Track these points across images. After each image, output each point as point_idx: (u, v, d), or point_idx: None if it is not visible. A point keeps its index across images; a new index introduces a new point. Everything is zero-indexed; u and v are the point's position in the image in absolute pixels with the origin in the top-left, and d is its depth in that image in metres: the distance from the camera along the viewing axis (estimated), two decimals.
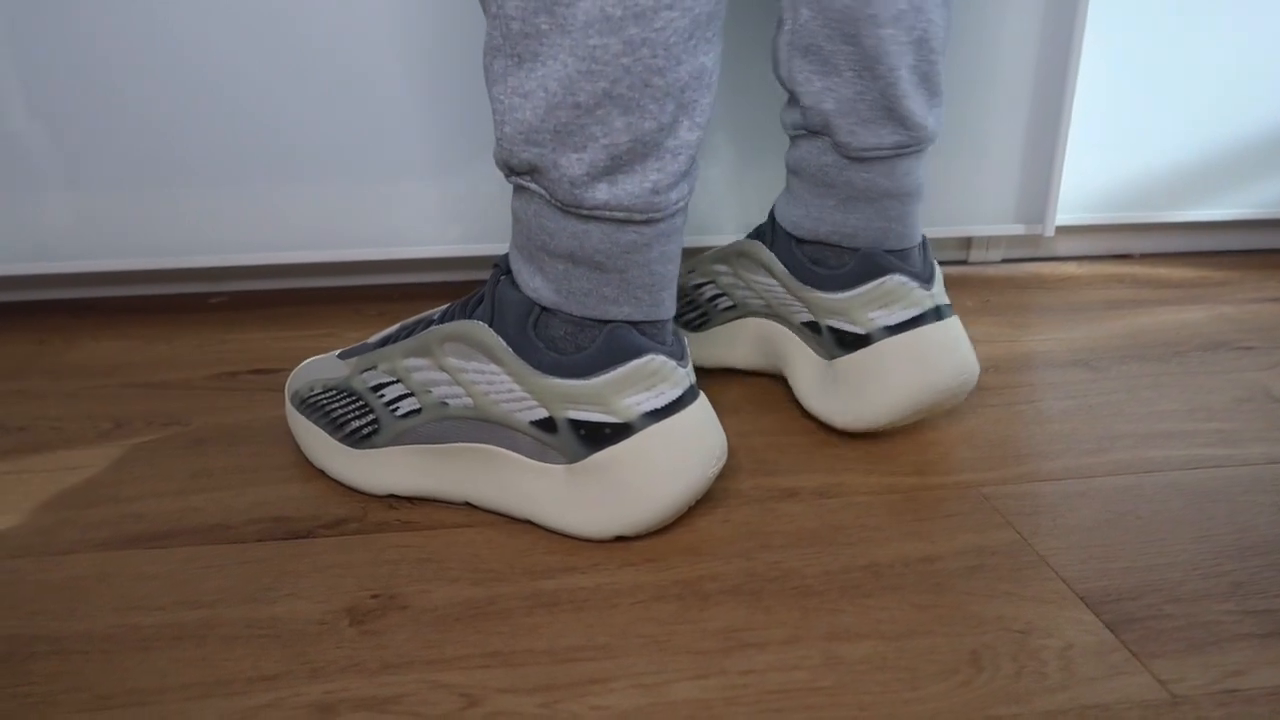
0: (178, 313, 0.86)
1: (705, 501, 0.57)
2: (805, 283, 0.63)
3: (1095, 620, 0.47)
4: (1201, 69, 0.93)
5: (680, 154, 0.49)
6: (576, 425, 0.51)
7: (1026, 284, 0.93)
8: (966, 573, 0.51)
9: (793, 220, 0.63)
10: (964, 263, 0.99)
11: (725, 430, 0.65)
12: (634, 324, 0.52)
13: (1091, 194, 0.96)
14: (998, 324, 0.83)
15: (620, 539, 0.53)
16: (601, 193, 0.48)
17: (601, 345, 0.51)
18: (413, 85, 0.83)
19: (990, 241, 0.99)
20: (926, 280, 0.61)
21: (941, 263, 0.99)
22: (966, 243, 0.99)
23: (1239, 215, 0.99)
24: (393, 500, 0.57)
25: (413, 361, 0.55)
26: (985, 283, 0.94)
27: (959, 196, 0.93)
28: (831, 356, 0.63)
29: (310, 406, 0.59)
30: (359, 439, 0.57)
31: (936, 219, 0.94)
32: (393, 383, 0.56)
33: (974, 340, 0.80)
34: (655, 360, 0.51)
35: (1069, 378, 0.73)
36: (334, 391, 0.58)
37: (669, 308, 0.53)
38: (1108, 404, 0.69)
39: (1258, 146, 0.97)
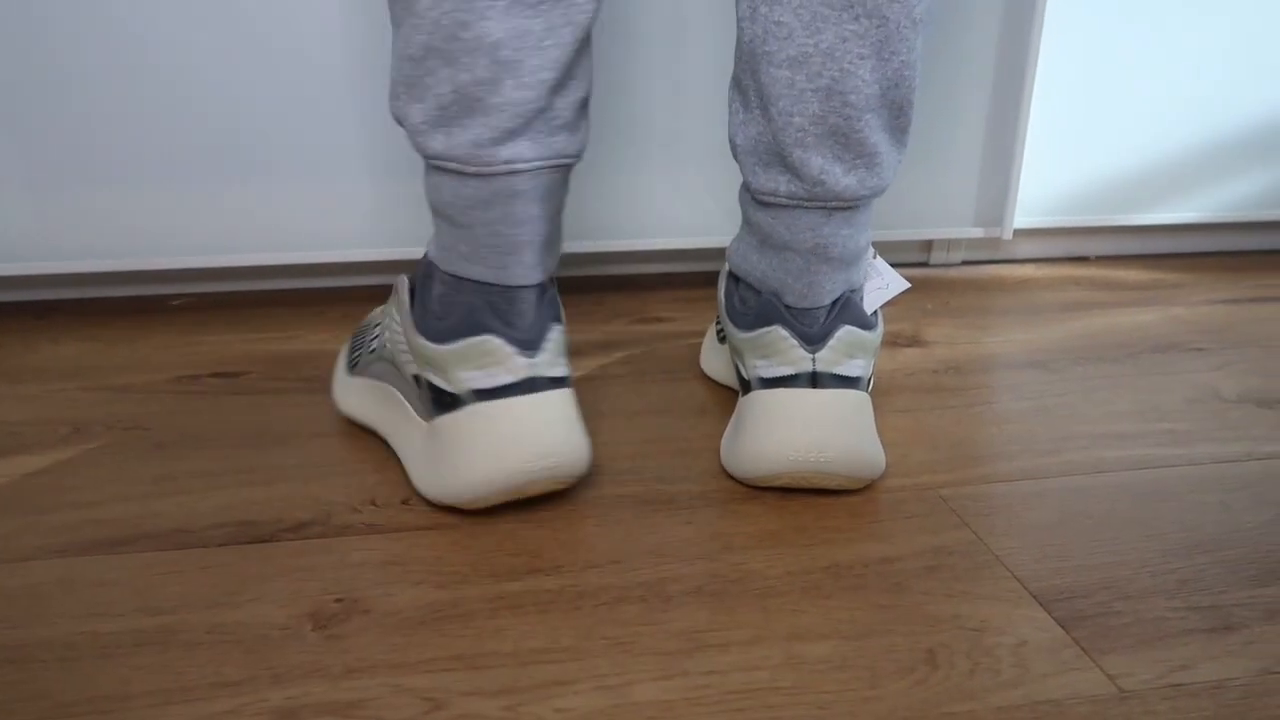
0: (139, 315, 0.85)
1: (668, 503, 0.58)
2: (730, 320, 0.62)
3: (1048, 618, 0.48)
4: (1156, 76, 0.95)
5: (505, 110, 0.51)
6: (429, 386, 0.55)
7: (986, 286, 0.95)
8: (924, 573, 0.52)
9: (733, 249, 0.63)
10: (925, 265, 1.01)
11: (692, 432, 0.66)
12: (492, 301, 0.54)
13: (1049, 198, 0.98)
14: (958, 326, 0.85)
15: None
16: (438, 142, 0.52)
17: (459, 315, 0.54)
18: (380, 87, 0.82)
19: (951, 244, 1.00)
20: (814, 342, 0.57)
21: (903, 265, 1.01)
22: (927, 245, 1.01)
23: (1192, 219, 1.01)
24: (356, 503, 0.57)
25: (388, 307, 0.61)
26: (946, 285, 0.95)
27: (920, 200, 0.95)
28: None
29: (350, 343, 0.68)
30: (351, 366, 0.65)
31: (898, 222, 0.95)
32: (379, 323, 0.63)
33: (934, 342, 0.82)
34: (490, 341, 0.53)
35: (1026, 379, 0.75)
36: (363, 328, 0.67)
37: (519, 275, 0.54)
38: (1063, 405, 0.71)
39: (1211, 152, 0.99)
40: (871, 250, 0.62)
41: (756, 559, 0.53)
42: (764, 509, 0.57)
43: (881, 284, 0.61)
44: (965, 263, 1.02)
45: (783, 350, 0.57)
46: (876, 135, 0.54)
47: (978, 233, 0.96)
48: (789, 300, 0.58)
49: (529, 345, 0.53)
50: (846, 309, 0.58)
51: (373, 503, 0.57)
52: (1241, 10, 0.94)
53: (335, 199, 0.85)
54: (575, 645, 0.46)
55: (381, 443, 0.64)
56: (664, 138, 0.88)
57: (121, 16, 0.78)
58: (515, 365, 0.53)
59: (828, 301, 0.58)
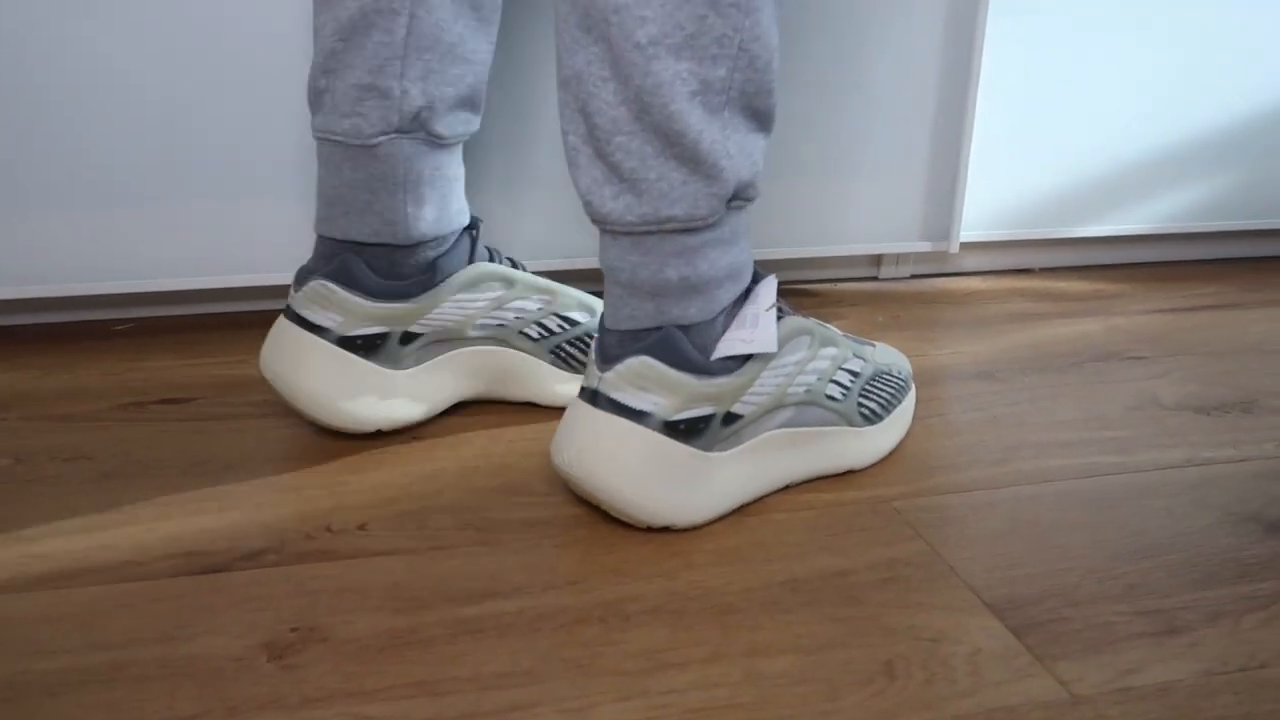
0: (80, 341, 0.83)
1: (626, 521, 0.57)
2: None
3: (1001, 626, 0.49)
4: (1095, 93, 0.98)
5: (308, 85, 0.64)
6: None
7: (934, 299, 0.97)
8: (880, 585, 0.53)
9: None
10: (874, 279, 1.02)
11: None
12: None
13: (993, 212, 1.01)
14: (907, 339, 0.86)
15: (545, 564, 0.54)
16: None
17: None
18: None
19: (899, 258, 1.02)
20: (608, 361, 0.55)
21: (854, 279, 1.02)
22: (877, 260, 1.02)
23: (1131, 230, 1.04)
24: (311, 530, 0.56)
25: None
26: (895, 299, 0.97)
27: (869, 216, 0.96)
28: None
29: None
30: None
31: (848, 237, 0.97)
32: None
33: None
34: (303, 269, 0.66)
35: (974, 390, 0.76)
36: None
37: (317, 224, 0.65)
38: (1010, 415, 0.72)
39: (1148, 166, 1.02)
40: (771, 303, 0.57)
41: (715, 576, 0.53)
42: (722, 525, 0.58)
43: (746, 338, 0.56)
44: (914, 276, 1.04)
45: (588, 364, 0.58)
46: (635, 160, 0.52)
47: (925, 247, 0.98)
48: (607, 322, 0.58)
49: (298, 279, 0.64)
50: (660, 342, 0.54)
51: (328, 529, 0.57)
52: (1180, 28, 0.97)
53: (280, 221, 0.84)
54: (535, 668, 0.46)
55: (337, 466, 0.63)
56: None
57: (54, 41, 0.76)
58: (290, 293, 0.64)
59: (626, 327, 0.56)
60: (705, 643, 0.48)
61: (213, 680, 0.45)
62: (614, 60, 0.51)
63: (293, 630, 0.48)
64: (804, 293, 0.99)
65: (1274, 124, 1.03)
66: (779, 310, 0.59)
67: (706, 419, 0.55)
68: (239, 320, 0.88)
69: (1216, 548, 0.56)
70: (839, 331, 0.64)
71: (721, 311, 0.56)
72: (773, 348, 0.56)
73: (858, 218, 0.96)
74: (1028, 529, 0.58)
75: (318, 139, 0.63)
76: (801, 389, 0.59)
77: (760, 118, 0.55)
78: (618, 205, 0.54)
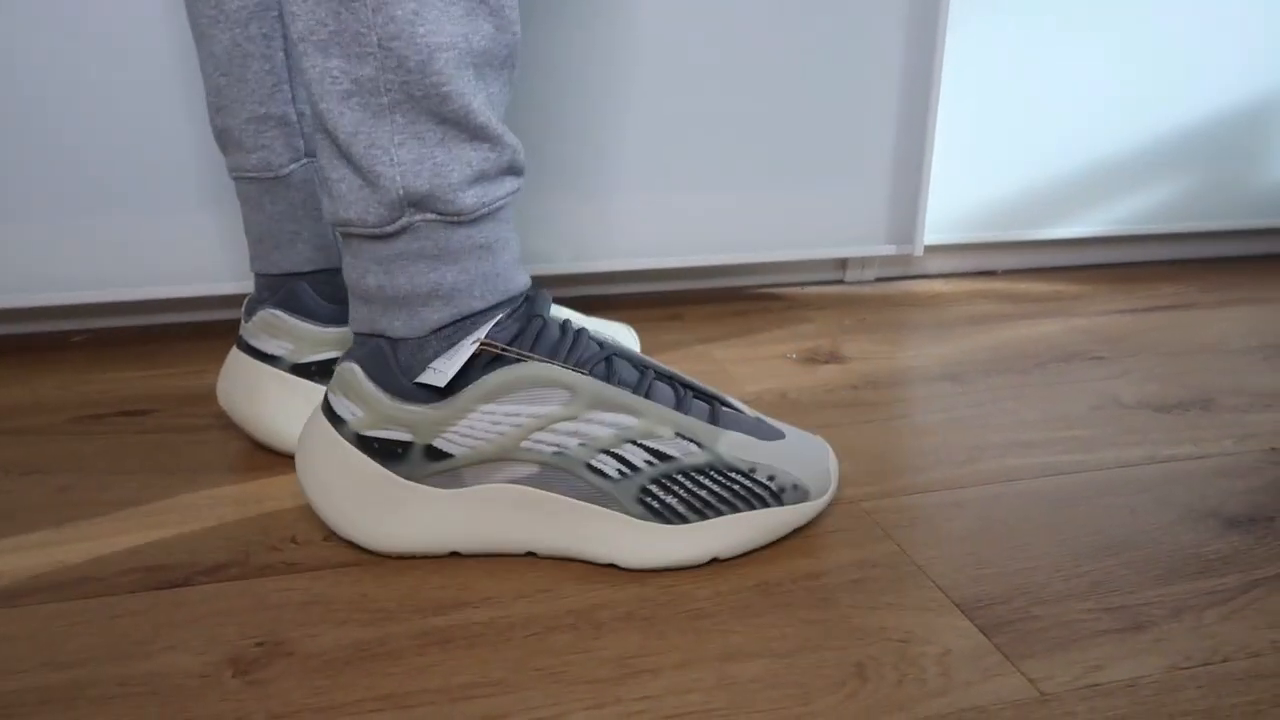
0: (35, 352, 0.81)
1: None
2: None
3: (970, 625, 0.50)
4: (1054, 98, 1.00)
5: None
6: None
7: (899, 302, 0.98)
8: (850, 586, 0.53)
9: None
10: (841, 282, 1.03)
11: None
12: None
13: (956, 215, 1.02)
14: (873, 341, 0.87)
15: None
16: None
17: None
18: None
19: (865, 262, 1.03)
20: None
21: (820, 283, 1.03)
22: (843, 264, 1.03)
23: (1090, 233, 1.06)
24: (275, 541, 0.56)
25: None
26: (861, 302, 0.97)
27: (834, 220, 0.97)
28: None
29: None
30: None
31: (813, 241, 0.97)
32: None
33: (852, 358, 0.83)
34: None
35: (939, 391, 0.77)
36: None
37: (251, 260, 0.65)
38: (975, 416, 0.73)
39: (1107, 169, 1.04)
40: (477, 339, 0.52)
41: (686, 580, 0.53)
42: None
43: (437, 366, 0.52)
44: (879, 279, 1.04)
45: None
46: (323, 160, 0.51)
47: (890, 250, 0.99)
48: None
49: (247, 310, 0.64)
50: (370, 354, 0.53)
51: (293, 540, 0.56)
52: (1138, 34, 0.99)
53: (241, 230, 0.83)
54: (506, 678, 0.46)
55: None
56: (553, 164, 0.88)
57: (11, 51, 0.75)
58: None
59: (353, 330, 0.55)
60: (677, 648, 0.48)
61: (176, 698, 0.44)
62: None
63: (257, 645, 0.47)
64: (771, 296, 0.99)
65: (1230, 127, 1.06)
66: (520, 355, 0.52)
67: (403, 445, 0.52)
68: (198, 330, 0.87)
69: (1178, 544, 0.57)
70: (717, 407, 0.56)
71: (433, 333, 0.52)
72: (439, 382, 0.51)
73: (823, 222, 0.97)
74: (994, 528, 0.58)
75: (233, 179, 0.62)
76: (547, 448, 0.52)
77: (456, 125, 0.49)
78: (323, 205, 0.53)
